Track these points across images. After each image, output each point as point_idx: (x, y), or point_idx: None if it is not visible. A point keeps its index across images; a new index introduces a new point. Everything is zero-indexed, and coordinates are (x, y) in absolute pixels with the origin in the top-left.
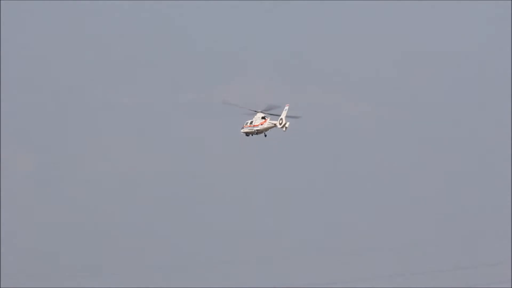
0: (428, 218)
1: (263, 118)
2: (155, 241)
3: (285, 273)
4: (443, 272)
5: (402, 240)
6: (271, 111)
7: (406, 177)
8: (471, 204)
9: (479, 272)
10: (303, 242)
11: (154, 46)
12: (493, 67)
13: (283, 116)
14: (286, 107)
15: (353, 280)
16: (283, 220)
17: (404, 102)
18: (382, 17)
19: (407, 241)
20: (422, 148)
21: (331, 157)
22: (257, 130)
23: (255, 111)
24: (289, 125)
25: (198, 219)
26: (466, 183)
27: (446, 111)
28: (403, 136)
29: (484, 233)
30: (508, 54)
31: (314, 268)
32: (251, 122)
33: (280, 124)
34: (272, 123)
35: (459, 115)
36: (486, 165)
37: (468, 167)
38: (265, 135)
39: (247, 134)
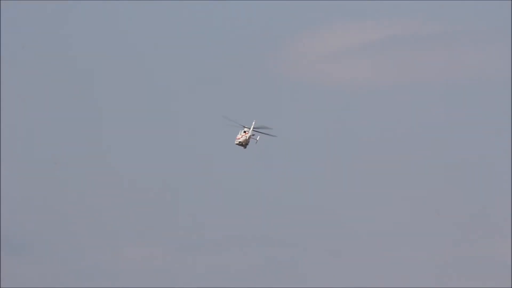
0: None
1: (244, 132)
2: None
3: None
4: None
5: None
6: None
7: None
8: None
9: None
10: None
11: None
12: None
13: (250, 130)
14: (253, 122)
15: None
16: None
17: None
18: None
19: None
20: None
21: None
22: (239, 142)
23: (243, 126)
24: (259, 138)
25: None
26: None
27: None
28: None
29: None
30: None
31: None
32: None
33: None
34: (247, 136)
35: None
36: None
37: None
38: (246, 146)
39: (239, 145)
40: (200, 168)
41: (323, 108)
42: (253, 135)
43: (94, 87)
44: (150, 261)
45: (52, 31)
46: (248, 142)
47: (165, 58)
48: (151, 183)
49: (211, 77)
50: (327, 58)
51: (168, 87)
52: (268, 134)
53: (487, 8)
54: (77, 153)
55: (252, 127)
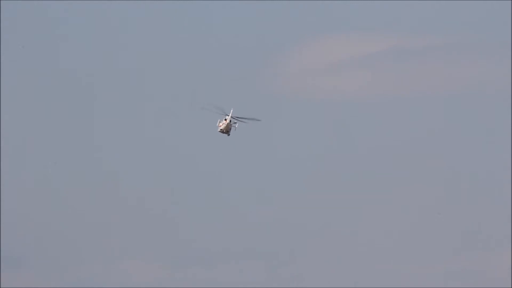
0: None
1: (225, 119)
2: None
3: None
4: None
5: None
6: (234, 114)
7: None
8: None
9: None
10: None
11: None
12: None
13: (229, 116)
14: (231, 110)
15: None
16: None
17: None
18: None
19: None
20: None
21: None
22: (221, 129)
23: (226, 114)
24: (237, 125)
25: None
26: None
27: None
28: None
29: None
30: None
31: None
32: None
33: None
34: (226, 123)
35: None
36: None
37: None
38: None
39: (221, 132)
40: (196, 177)
41: (319, 121)
42: (235, 122)
43: (94, 87)
44: (148, 274)
45: (52, 32)
46: (230, 128)
47: (163, 63)
48: (151, 192)
49: (205, 89)
50: (324, 70)
51: (166, 96)
52: (251, 119)
53: (487, 19)
54: (77, 156)
55: (230, 114)
